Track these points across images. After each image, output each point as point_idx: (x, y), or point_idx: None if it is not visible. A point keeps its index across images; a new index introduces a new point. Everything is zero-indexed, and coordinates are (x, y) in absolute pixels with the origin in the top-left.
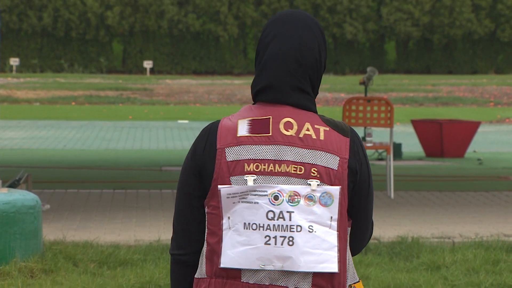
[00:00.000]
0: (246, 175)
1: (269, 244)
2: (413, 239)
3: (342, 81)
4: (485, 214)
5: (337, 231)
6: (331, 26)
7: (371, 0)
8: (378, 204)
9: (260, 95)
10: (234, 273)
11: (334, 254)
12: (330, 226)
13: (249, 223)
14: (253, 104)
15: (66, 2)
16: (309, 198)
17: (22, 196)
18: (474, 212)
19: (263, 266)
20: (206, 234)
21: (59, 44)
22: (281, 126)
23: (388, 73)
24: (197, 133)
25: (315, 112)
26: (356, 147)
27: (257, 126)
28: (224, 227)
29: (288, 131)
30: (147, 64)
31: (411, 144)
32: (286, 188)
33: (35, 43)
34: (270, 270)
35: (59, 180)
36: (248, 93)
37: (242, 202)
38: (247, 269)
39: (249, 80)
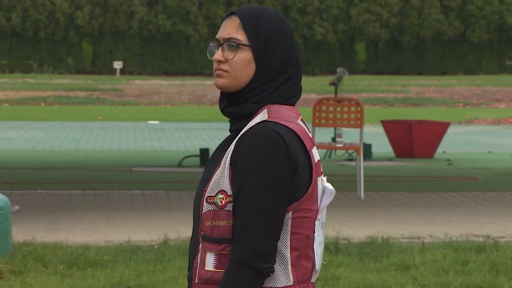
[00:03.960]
0: (323, 175)
1: (325, 241)
2: (383, 239)
3: (312, 82)
4: (454, 214)
5: None
6: (301, 27)
7: (341, 1)
8: (348, 205)
9: (293, 98)
10: (311, 275)
11: None
12: None
13: (323, 222)
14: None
15: (35, 2)
16: None
17: None
18: (443, 212)
19: (324, 263)
20: (289, 240)
21: (28, 45)
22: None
23: (358, 73)
24: (168, 134)
25: None
26: None
27: (306, 126)
28: (315, 229)
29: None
30: (117, 65)
31: (381, 144)
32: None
33: (4, 43)
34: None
35: (28, 181)
36: (218, 93)
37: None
38: (319, 269)
39: None
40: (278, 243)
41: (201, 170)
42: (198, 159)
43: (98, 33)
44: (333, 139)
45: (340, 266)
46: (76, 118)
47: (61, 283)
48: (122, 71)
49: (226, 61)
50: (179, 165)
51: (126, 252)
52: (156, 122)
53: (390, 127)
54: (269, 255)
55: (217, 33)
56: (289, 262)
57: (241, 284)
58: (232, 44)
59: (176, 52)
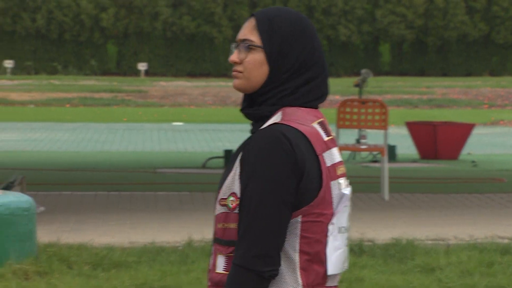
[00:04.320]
0: (340, 179)
1: (347, 246)
2: (408, 241)
3: (336, 83)
4: (479, 216)
5: None
6: (325, 28)
7: (366, 2)
8: (372, 206)
9: (315, 101)
10: (324, 280)
11: None
12: None
13: (341, 227)
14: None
15: (60, 3)
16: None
17: (17, 198)
18: (468, 214)
19: (346, 268)
20: (299, 244)
21: (53, 46)
22: (329, 128)
23: (383, 75)
24: (192, 135)
25: None
26: None
27: (325, 129)
28: (329, 233)
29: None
30: (142, 66)
31: (406, 146)
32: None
33: (29, 45)
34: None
35: (53, 182)
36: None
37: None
38: (333, 274)
39: None
40: (286, 247)
41: None
42: (222, 160)
43: (123, 35)
44: (357, 141)
45: (364, 268)
46: (101, 120)
47: (85, 284)
48: (146, 73)
49: (241, 62)
50: (203, 166)
51: (151, 253)
52: (180, 123)
53: (414, 128)
54: (271, 258)
55: None
56: (298, 266)
57: (254, 286)
58: (245, 46)
59: (201, 54)
